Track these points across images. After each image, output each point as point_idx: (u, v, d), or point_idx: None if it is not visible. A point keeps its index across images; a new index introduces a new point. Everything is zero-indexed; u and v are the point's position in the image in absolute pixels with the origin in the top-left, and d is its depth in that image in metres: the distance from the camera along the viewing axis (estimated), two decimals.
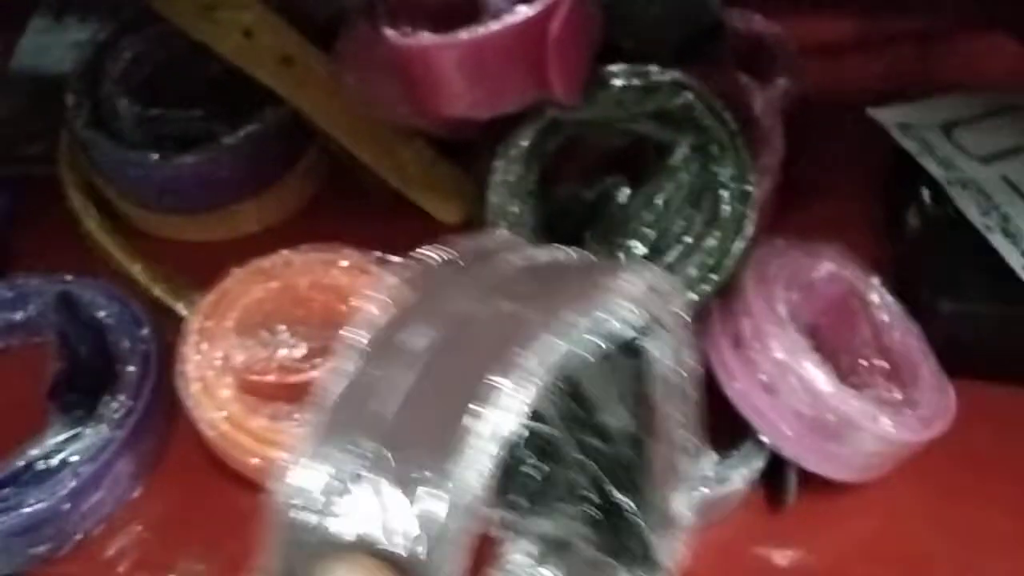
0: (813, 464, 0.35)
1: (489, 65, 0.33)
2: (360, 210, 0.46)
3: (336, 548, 0.16)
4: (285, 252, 0.39)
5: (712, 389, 0.36)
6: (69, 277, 0.41)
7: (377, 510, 0.16)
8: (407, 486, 0.16)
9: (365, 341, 0.18)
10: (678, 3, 0.40)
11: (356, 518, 0.16)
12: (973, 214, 0.40)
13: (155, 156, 0.42)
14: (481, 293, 0.19)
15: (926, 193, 0.42)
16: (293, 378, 0.36)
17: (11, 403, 0.39)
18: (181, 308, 0.41)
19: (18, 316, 0.42)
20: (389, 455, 0.16)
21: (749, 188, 0.35)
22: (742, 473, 0.35)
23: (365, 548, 0.16)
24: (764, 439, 0.35)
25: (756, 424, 0.35)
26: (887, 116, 0.45)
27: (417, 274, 0.20)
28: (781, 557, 0.37)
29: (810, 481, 0.36)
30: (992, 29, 0.57)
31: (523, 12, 0.32)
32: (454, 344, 0.17)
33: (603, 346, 0.19)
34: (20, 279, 0.42)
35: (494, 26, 0.32)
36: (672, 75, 0.36)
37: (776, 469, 0.36)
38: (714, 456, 0.35)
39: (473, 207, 0.42)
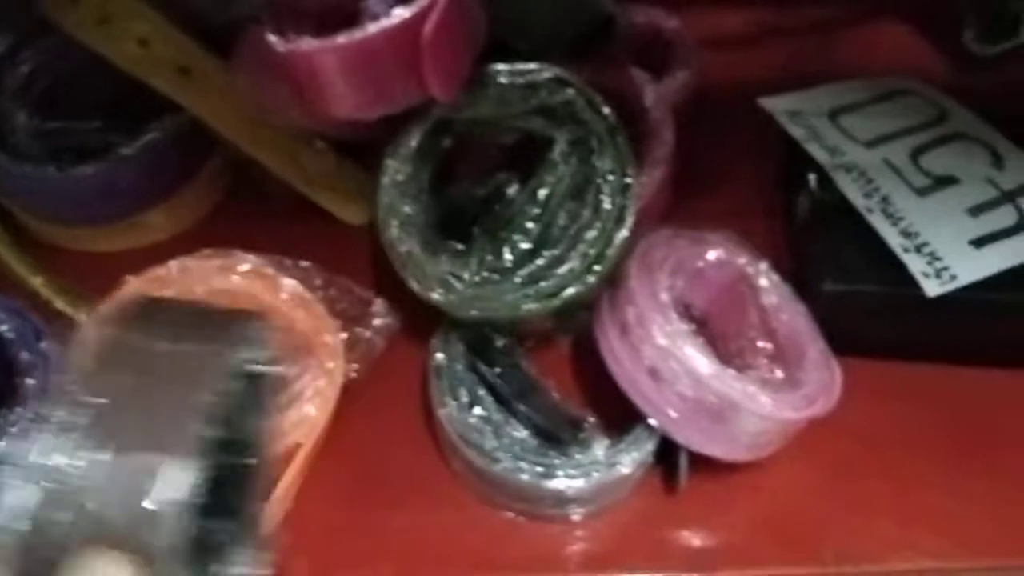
0: (700, 445, 0.36)
1: (368, 67, 0.33)
2: (267, 215, 0.46)
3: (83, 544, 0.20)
4: (182, 259, 0.39)
5: (603, 375, 0.37)
6: None
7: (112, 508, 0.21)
8: (133, 486, 0.21)
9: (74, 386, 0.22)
10: (568, 2, 0.41)
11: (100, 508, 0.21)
12: (855, 197, 0.41)
13: (52, 169, 0.42)
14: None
15: (813, 179, 0.43)
16: None
17: None
18: (84, 320, 0.41)
19: None
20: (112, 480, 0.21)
21: (628, 180, 0.36)
22: (633, 457, 0.36)
23: (104, 539, 0.20)
24: (653, 423, 0.36)
25: (644, 408, 0.36)
26: (777, 105, 0.46)
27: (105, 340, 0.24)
28: (679, 537, 0.38)
29: (704, 462, 0.37)
30: (889, 16, 0.59)
31: (398, 15, 0.32)
32: (151, 384, 0.23)
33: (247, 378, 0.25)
34: None
35: (371, 29, 0.32)
36: (553, 72, 0.36)
37: (668, 452, 0.37)
38: (605, 441, 0.36)
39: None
